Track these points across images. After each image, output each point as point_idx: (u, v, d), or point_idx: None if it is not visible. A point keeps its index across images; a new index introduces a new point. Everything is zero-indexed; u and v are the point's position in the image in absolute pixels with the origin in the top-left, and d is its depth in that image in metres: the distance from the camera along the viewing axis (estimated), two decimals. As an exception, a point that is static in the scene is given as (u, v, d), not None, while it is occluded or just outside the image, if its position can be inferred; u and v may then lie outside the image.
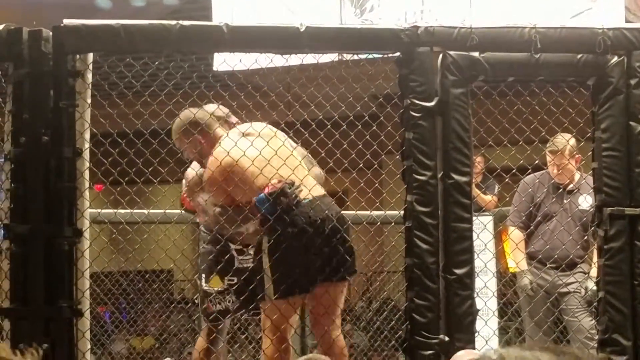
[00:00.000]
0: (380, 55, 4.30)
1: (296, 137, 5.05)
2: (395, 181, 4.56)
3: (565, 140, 6.32)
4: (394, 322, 8.49)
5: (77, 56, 3.97)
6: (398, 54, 4.13)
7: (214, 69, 7.92)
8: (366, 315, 9.36)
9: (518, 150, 5.06)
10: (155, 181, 5.12)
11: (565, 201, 6.46)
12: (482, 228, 6.42)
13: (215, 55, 7.28)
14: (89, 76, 4.00)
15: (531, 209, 6.55)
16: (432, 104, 4.06)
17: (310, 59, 4.46)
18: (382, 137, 4.77)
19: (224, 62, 4.42)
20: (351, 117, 4.95)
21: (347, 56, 4.90)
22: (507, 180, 5.61)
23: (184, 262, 6.32)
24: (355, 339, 9.85)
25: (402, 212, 4.14)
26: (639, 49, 4.17)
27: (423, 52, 4.09)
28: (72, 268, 3.92)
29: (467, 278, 4.02)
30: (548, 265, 6.08)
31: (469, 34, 4.09)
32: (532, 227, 6.61)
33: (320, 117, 4.77)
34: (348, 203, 6.59)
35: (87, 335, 3.98)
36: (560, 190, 6.53)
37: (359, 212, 6.41)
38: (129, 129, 4.59)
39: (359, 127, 4.76)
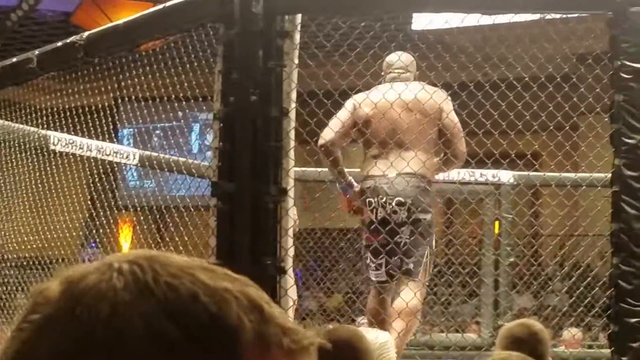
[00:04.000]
0: (575, 15, 4.18)
1: (485, 99, 4.94)
2: (588, 143, 4.45)
3: None
4: (580, 286, 8.31)
5: (286, 17, 4.01)
6: (610, 13, 3.99)
7: (413, 28, 7.89)
8: (559, 279, 9.20)
9: None
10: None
11: None
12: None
13: (414, 15, 7.24)
14: (297, 37, 4.03)
15: None
16: (646, 65, 3.91)
17: (502, 18, 4.37)
18: (574, 99, 4.66)
19: (429, 22, 4.40)
20: (542, 79, 4.83)
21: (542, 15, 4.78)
22: None
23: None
24: (552, 301, 9.72)
25: (602, 175, 4.02)
26: None
27: (637, 12, 3.93)
28: (277, 226, 3.98)
29: (679, 246, 3.87)
30: None
31: (691, -9, 3.90)
32: None
33: (511, 78, 4.68)
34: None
35: (291, 293, 4.04)
36: None
37: (550, 174, 6.29)
38: (335, 89, 4.60)
39: (550, 88, 4.66)
